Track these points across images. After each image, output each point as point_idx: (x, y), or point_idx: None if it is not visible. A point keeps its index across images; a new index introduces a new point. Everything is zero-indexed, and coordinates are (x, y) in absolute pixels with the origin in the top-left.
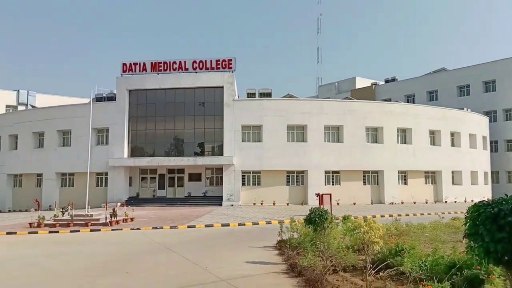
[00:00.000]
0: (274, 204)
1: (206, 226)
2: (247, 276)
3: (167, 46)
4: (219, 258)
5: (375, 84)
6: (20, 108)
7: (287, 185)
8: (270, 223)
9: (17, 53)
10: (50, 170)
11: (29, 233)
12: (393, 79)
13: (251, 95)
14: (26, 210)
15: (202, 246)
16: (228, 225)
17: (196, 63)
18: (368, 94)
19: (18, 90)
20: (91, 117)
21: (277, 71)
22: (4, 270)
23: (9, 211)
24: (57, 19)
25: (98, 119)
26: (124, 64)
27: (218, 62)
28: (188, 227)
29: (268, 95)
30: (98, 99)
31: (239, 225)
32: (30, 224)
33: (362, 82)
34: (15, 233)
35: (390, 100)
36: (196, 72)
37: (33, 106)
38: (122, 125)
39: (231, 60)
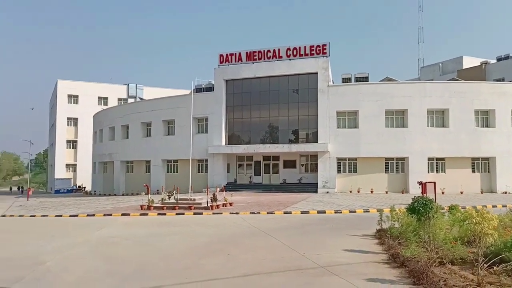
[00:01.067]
0: (371, 192)
1: (302, 212)
2: (346, 264)
3: (262, 35)
4: (316, 244)
5: (486, 63)
6: (130, 100)
7: (385, 172)
8: (368, 211)
9: (126, 49)
10: (157, 157)
11: (141, 214)
12: (507, 57)
13: (346, 80)
14: (137, 194)
15: (299, 232)
16: (324, 212)
17: (290, 50)
18: (477, 74)
19: (128, 84)
20: (192, 107)
21: (374, 55)
22: (120, 247)
23: (123, 194)
24: (161, 17)
25: (198, 109)
26: (221, 55)
27: (312, 48)
28: (284, 213)
29: (365, 79)
30: (198, 90)
31: (335, 212)
32: (142, 206)
33: (470, 62)
34: (128, 214)
35: (503, 80)
36: (290, 60)
37: (141, 98)
38: (220, 114)
39: (325, 45)
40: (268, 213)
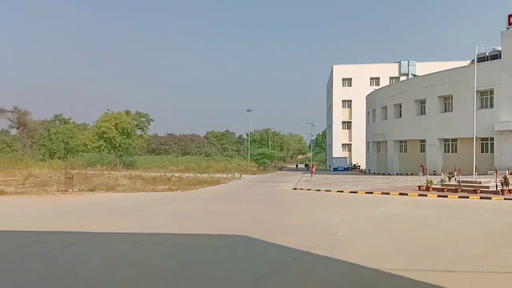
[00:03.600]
0: None
1: None
2: None
3: None
4: None
5: None
6: (402, 78)
7: None
8: None
9: (397, 29)
10: (433, 136)
11: (419, 195)
12: None
13: None
14: (411, 174)
15: None
16: None
17: None
18: None
19: (400, 62)
20: (475, 79)
21: None
22: (403, 226)
23: (397, 174)
24: None
25: (480, 81)
26: (510, 16)
27: None
28: None
29: None
30: (480, 59)
31: None
32: (419, 187)
33: None
34: (406, 194)
35: None
36: None
37: (413, 75)
38: (510, 84)
39: None
40: None
